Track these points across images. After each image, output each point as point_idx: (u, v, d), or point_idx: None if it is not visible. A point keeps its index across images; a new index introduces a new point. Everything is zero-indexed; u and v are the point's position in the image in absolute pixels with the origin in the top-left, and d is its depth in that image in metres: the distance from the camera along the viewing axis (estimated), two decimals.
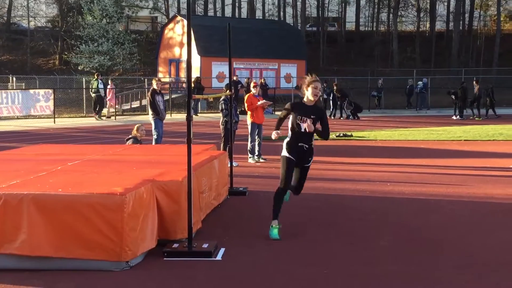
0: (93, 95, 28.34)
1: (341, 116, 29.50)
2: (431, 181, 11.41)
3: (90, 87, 28.35)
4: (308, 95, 7.33)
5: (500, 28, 51.25)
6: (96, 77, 28.66)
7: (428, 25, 54.73)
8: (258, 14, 53.00)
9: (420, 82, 35.60)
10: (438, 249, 6.74)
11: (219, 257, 6.43)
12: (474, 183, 11.09)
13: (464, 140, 18.97)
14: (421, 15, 54.32)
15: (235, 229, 7.74)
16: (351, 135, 20.07)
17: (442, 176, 11.99)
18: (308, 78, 7.39)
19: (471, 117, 29.10)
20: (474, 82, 30.41)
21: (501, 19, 53.58)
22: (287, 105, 7.62)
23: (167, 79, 37.28)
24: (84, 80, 33.93)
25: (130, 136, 12.51)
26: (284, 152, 7.55)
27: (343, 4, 55.39)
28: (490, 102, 29.73)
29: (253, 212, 8.87)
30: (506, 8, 56.12)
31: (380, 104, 35.91)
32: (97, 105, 28.18)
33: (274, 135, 7.54)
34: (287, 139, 7.59)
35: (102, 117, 28.26)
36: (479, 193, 10.04)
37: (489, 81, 36.90)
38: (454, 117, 29.63)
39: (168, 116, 20.04)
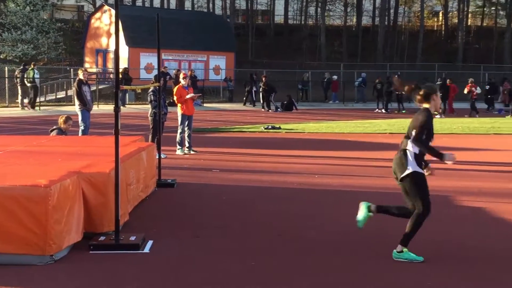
0: (28, 84, 27.51)
1: (269, 108, 29.69)
2: (358, 173, 11.62)
3: (26, 76, 27.47)
4: (435, 105, 6.20)
5: (423, 24, 52.63)
6: (32, 66, 27.86)
7: (355, 20, 55.67)
8: (187, 5, 52.60)
9: (360, 78, 36.30)
10: (366, 239, 6.86)
11: (146, 250, 6.35)
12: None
13: (389, 133, 19.41)
14: (348, 10, 55.21)
15: (163, 222, 7.67)
16: (280, 128, 20.23)
17: (369, 168, 12.24)
18: (433, 85, 6.45)
19: (396, 111, 29.83)
20: (396, 76, 31.20)
21: (425, 15, 55.03)
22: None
23: (94, 70, 36.53)
24: (7, 69, 32.87)
25: (54, 127, 12.19)
26: (416, 167, 6.13)
27: None
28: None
29: (181, 204, 8.82)
30: (429, 5, 57.66)
31: (307, 97, 36.33)
32: (30, 95, 27.45)
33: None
34: (412, 150, 6.16)
35: (35, 108, 27.45)
36: None
37: (413, 76, 37.84)
38: (377, 111, 30.31)
39: (95, 107, 19.68)
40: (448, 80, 29.88)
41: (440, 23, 58.28)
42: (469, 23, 57.33)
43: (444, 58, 48.14)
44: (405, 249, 6.07)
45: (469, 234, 7.11)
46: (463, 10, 52.80)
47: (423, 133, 6.00)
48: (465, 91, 28.76)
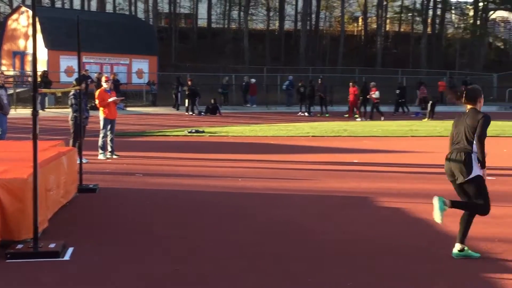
0: None
1: (193, 112, 29.57)
2: (281, 176, 11.72)
3: None
4: (480, 106, 6.46)
5: (344, 29, 53.65)
6: None
7: (277, 24, 56.17)
8: (108, 7, 51.73)
9: (287, 81, 36.58)
10: (288, 242, 6.92)
11: (67, 257, 6.19)
12: (322, 177, 11.53)
13: (312, 136, 19.68)
14: (271, 14, 55.65)
15: (84, 228, 7.50)
16: (203, 131, 20.17)
17: (292, 171, 12.36)
18: (478, 88, 6.62)
19: (319, 114, 30.28)
20: (319, 80, 31.71)
21: (345, 20, 56.11)
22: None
23: (11, 72, 35.41)
24: None
25: None
26: (479, 171, 6.19)
27: (195, 0, 55.52)
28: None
29: (103, 210, 8.66)
30: (349, 10, 58.84)
31: (227, 100, 36.30)
32: None
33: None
34: (475, 152, 6.20)
35: None
36: (326, 187, 10.45)
37: (334, 80, 38.53)
38: (300, 114, 30.69)
39: (12, 111, 19.08)
40: (351, 83, 30.28)
41: (360, 28, 59.53)
42: (387, 29, 58.84)
43: (364, 62, 49.22)
44: (466, 247, 6.22)
45: (390, 234, 7.27)
46: (381, 16, 54.16)
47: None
48: (368, 96, 29.27)
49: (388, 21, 59.71)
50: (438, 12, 54.40)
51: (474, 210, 6.29)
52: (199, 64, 43.34)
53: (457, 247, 6.23)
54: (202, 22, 57.25)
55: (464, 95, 6.42)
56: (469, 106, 6.42)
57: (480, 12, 53.53)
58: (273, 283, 5.51)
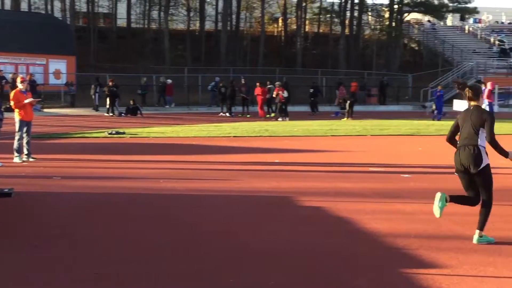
0: None
1: (113, 113, 29.11)
2: (203, 176, 11.69)
3: None
4: (481, 103, 7.03)
5: (264, 29, 54.05)
6: None
7: (198, 25, 55.99)
8: (23, 6, 50.21)
9: (213, 82, 36.43)
10: (210, 243, 6.91)
11: None
12: (243, 177, 11.57)
13: (234, 136, 19.73)
14: (191, 14, 55.42)
15: None
16: (124, 133, 19.89)
17: (213, 171, 12.35)
18: (479, 86, 7.20)
19: (240, 114, 30.40)
20: (242, 80, 31.89)
21: (265, 21, 56.53)
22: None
23: None
24: None
25: None
26: (488, 160, 6.72)
27: (114, 0, 54.64)
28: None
29: (19, 214, 8.40)
30: (269, 11, 59.30)
31: (145, 102, 35.82)
32: None
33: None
34: (483, 145, 6.72)
35: None
36: (248, 187, 10.49)
37: (255, 80, 38.71)
38: (222, 114, 30.73)
39: None
40: (258, 83, 30.50)
41: (280, 29, 60.09)
42: (307, 30, 59.65)
43: (285, 63, 49.73)
44: (484, 234, 6.77)
45: (312, 233, 7.36)
46: (301, 17, 54.85)
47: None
48: (274, 94, 29.56)
49: (307, 22, 60.53)
50: (356, 13, 55.60)
51: (470, 203, 7.01)
52: (118, 64, 42.68)
53: (478, 234, 6.82)
54: (121, 22, 56.41)
55: (469, 93, 6.92)
56: (472, 103, 6.93)
57: (395, 14, 55.03)
58: (195, 285, 5.49)
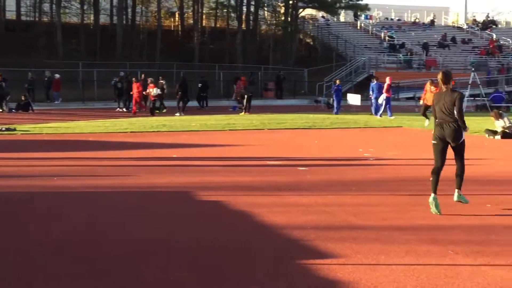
0: None
1: (3, 109, 28.01)
2: (99, 173, 11.46)
3: None
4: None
5: (161, 24, 53.54)
6: None
7: (92, 18, 54.70)
8: None
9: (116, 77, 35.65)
10: (108, 240, 6.78)
11: None
12: (141, 173, 11.44)
13: (131, 131, 19.46)
14: (85, 7, 54.05)
15: None
16: (15, 129, 19.18)
17: (110, 168, 12.13)
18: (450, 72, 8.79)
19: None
20: (142, 76, 31.52)
21: (162, 15, 56.00)
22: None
23: None
24: None
25: None
26: (464, 136, 8.33)
27: None
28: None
29: None
30: (166, 5, 58.76)
31: (33, 97, 34.65)
32: None
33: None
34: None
35: None
36: (146, 183, 10.37)
37: (152, 74, 38.28)
38: (118, 110, 30.25)
39: None
40: (133, 78, 30.19)
41: (177, 24, 59.71)
42: (204, 24, 59.58)
43: (182, 58, 49.47)
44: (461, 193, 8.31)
45: (210, 227, 7.37)
46: (197, 11, 54.71)
47: None
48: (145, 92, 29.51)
49: (204, 16, 60.45)
50: (252, 9, 56.07)
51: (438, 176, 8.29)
52: (8, 59, 41.00)
53: (457, 192, 8.34)
54: (10, 14, 54.21)
55: (441, 78, 8.36)
56: (444, 86, 8.35)
57: (290, 10, 55.95)
58: (94, 285, 5.38)
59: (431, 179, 8.24)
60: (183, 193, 9.46)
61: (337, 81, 31.43)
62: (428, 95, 20.51)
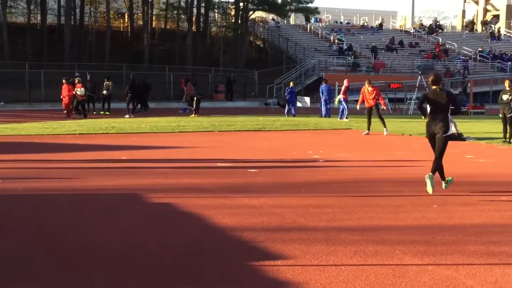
0: None
1: None
2: (47, 175, 11.26)
3: None
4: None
5: (110, 25, 52.98)
6: None
7: (39, 18, 53.74)
8: None
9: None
10: (57, 245, 6.67)
11: None
12: (90, 175, 11.28)
13: (79, 133, 19.19)
14: (32, 7, 53.09)
15: None
16: None
17: (58, 170, 11.93)
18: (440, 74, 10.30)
19: (95, 112, 29.75)
20: (88, 77, 31.15)
21: (111, 16, 55.43)
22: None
23: None
24: None
25: None
26: (450, 132, 9.74)
27: None
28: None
29: None
30: (115, 6, 58.17)
31: None
32: None
33: None
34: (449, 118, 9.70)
35: None
36: (95, 185, 10.23)
37: (101, 76, 37.85)
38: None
39: None
40: (64, 79, 29.62)
41: (126, 25, 59.17)
42: (154, 26, 59.18)
43: (132, 59, 49.03)
44: (447, 179, 9.79)
45: (160, 229, 7.31)
46: (147, 12, 54.30)
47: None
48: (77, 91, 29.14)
49: (154, 18, 60.08)
50: (202, 10, 55.95)
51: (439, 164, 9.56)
52: None
53: (444, 182, 9.69)
54: None
55: (432, 80, 9.54)
56: (434, 87, 9.52)
57: (241, 12, 56.06)
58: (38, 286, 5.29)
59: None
60: (132, 196, 9.38)
61: (291, 83, 31.23)
62: (367, 96, 20.52)
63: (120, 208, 8.58)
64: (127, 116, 28.00)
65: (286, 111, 30.53)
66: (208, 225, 7.49)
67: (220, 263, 6.02)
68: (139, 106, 32.73)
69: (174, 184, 10.45)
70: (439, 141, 9.45)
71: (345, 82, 27.23)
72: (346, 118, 26.66)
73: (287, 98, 30.52)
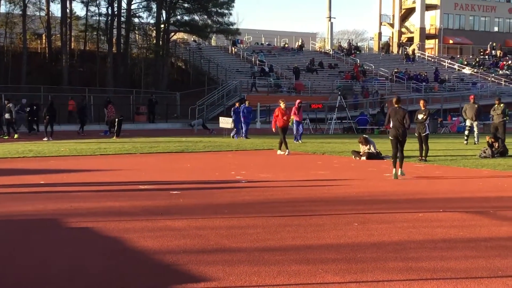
0: None
1: None
2: None
3: None
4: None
5: (26, 46, 51.72)
6: None
7: None
8: None
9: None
10: None
11: None
12: (4, 201, 10.89)
13: None
14: None
15: None
16: None
17: None
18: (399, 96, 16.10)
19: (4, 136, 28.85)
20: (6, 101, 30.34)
21: (28, 37, 54.14)
22: None
23: None
24: None
25: None
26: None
27: None
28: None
29: None
30: (31, 27, 56.81)
31: None
32: None
33: None
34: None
35: None
36: (9, 211, 9.86)
37: (20, 97, 36.82)
38: None
39: None
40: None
41: (44, 46, 57.89)
42: (73, 47, 58.16)
43: (50, 81, 47.97)
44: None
45: (80, 255, 7.12)
46: (66, 33, 53.29)
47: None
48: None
49: (73, 39, 59.06)
50: (123, 32, 55.39)
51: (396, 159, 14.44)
52: None
53: (400, 171, 14.36)
54: None
55: (396, 101, 14.64)
56: (397, 105, 14.45)
57: (162, 33, 55.85)
58: None
59: (392, 160, 14.54)
60: (51, 221, 9.10)
61: (247, 102, 30.50)
62: (283, 116, 20.77)
63: (37, 234, 8.30)
64: (45, 139, 27.27)
65: (236, 132, 29.46)
66: (129, 249, 7.35)
67: (141, 287, 5.90)
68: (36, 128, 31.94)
69: (94, 208, 10.22)
70: (401, 142, 14.26)
71: (296, 103, 26.80)
72: (299, 140, 26.26)
73: (241, 118, 29.46)
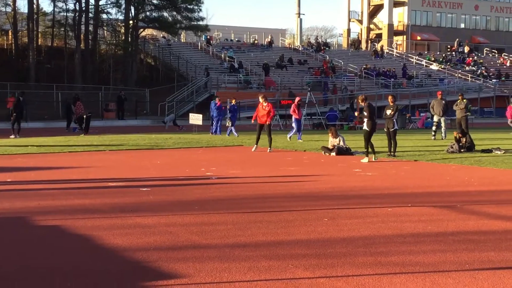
0: None
1: None
2: None
3: None
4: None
5: None
6: None
7: None
8: None
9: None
10: None
11: None
12: None
13: None
14: None
15: None
16: None
17: None
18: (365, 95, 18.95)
19: None
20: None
21: None
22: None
23: None
24: None
25: None
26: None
27: None
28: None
29: None
30: None
31: None
32: None
33: None
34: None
35: None
36: None
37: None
38: None
39: None
40: None
41: (10, 42, 57.07)
42: (40, 43, 57.44)
43: (17, 77, 47.32)
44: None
45: (47, 254, 7.04)
46: (33, 29, 52.60)
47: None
48: None
49: (40, 35, 58.32)
50: (91, 28, 54.86)
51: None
52: None
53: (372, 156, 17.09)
54: None
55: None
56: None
57: (131, 30, 55.43)
58: None
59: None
60: (18, 219, 8.99)
61: (233, 101, 30.23)
62: (261, 112, 20.55)
63: (4, 232, 8.20)
64: (12, 136, 26.92)
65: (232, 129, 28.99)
66: (99, 246, 7.29)
67: (112, 285, 5.87)
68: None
69: (63, 206, 10.11)
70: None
71: (295, 100, 26.31)
72: (290, 137, 25.48)
73: (228, 115, 29.06)
